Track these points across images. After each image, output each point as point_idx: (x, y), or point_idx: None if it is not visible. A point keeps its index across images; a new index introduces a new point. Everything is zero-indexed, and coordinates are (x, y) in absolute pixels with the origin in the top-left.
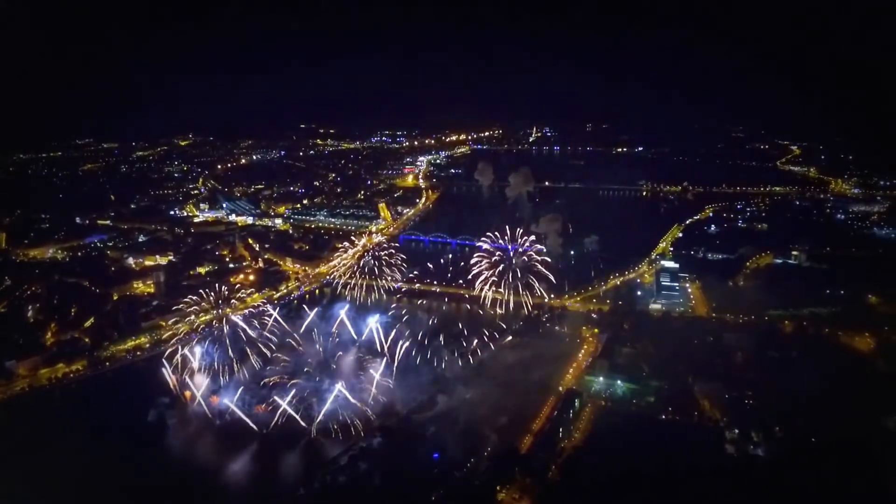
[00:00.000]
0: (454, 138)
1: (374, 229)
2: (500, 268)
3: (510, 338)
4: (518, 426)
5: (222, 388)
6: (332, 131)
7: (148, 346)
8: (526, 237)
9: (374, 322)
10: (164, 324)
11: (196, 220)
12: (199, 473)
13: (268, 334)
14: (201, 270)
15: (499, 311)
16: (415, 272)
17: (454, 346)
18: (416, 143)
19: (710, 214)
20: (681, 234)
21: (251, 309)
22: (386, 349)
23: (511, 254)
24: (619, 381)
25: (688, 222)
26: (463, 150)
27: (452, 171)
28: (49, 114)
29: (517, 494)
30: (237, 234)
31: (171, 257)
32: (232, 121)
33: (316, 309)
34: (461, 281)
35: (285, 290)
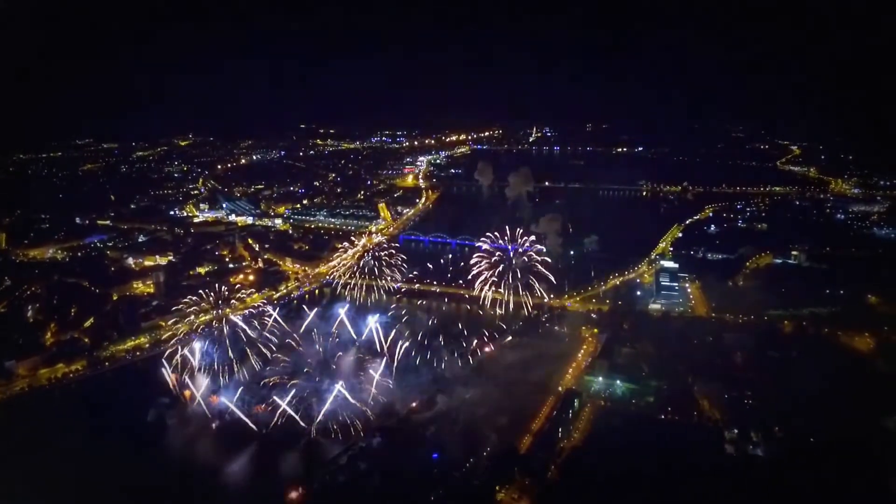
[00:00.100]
0: (454, 138)
1: (373, 229)
2: (500, 268)
3: (510, 338)
4: (517, 426)
5: (222, 388)
6: (332, 131)
7: (147, 346)
8: (526, 237)
9: (373, 322)
10: (163, 324)
11: (196, 220)
12: (198, 473)
13: (267, 334)
14: (201, 270)
15: (498, 311)
16: (414, 272)
17: (454, 346)
18: (416, 143)
19: (710, 214)
20: (680, 234)
21: (251, 309)
22: (386, 349)
23: (511, 254)
24: (618, 381)
25: (688, 222)
26: (463, 150)
27: (452, 171)
28: (49, 114)
29: (516, 494)
30: (237, 235)
31: (170, 257)
32: (232, 121)
33: (316, 309)
34: (461, 281)
35: (285, 291)
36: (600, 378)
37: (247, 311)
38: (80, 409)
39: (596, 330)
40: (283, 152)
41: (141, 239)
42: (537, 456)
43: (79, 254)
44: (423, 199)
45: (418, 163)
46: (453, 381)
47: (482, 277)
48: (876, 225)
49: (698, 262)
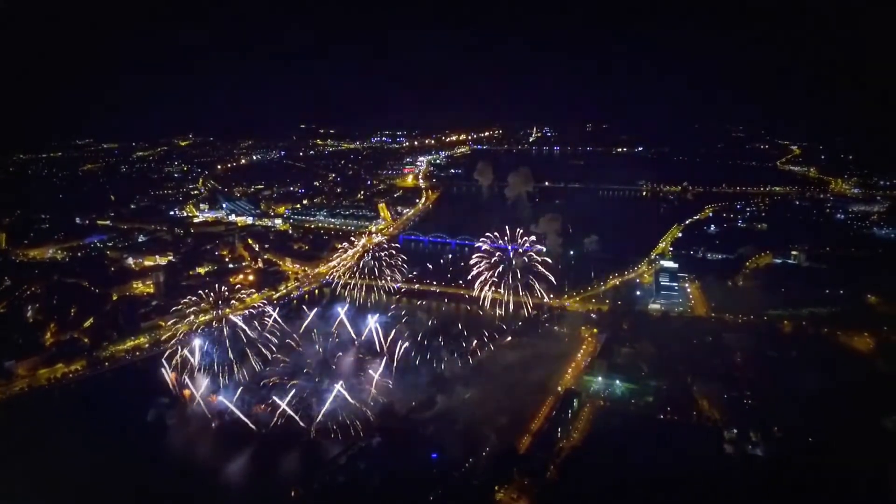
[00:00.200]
0: (454, 138)
1: (373, 229)
2: (500, 268)
3: (509, 338)
4: (517, 426)
5: (222, 388)
6: (332, 131)
7: (147, 346)
8: (526, 237)
9: (373, 322)
10: (163, 324)
11: (196, 220)
12: (197, 473)
13: (267, 335)
14: (201, 271)
15: (498, 311)
16: (414, 272)
17: (453, 346)
18: (416, 143)
19: (710, 214)
20: (680, 234)
21: (251, 309)
22: (385, 349)
23: (511, 254)
24: (617, 381)
25: (687, 222)
26: (463, 150)
27: (452, 171)
28: (49, 114)
29: (515, 494)
30: (237, 235)
31: (170, 257)
32: (232, 121)
33: (315, 309)
34: (461, 281)
35: (285, 291)
36: (600, 378)
37: (246, 312)
38: (80, 409)
39: (595, 330)
40: (283, 152)
41: (141, 239)
42: (536, 456)
43: (79, 254)
44: (423, 200)
45: (418, 163)
46: (453, 381)
47: (482, 278)
48: (876, 225)
49: (698, 262)
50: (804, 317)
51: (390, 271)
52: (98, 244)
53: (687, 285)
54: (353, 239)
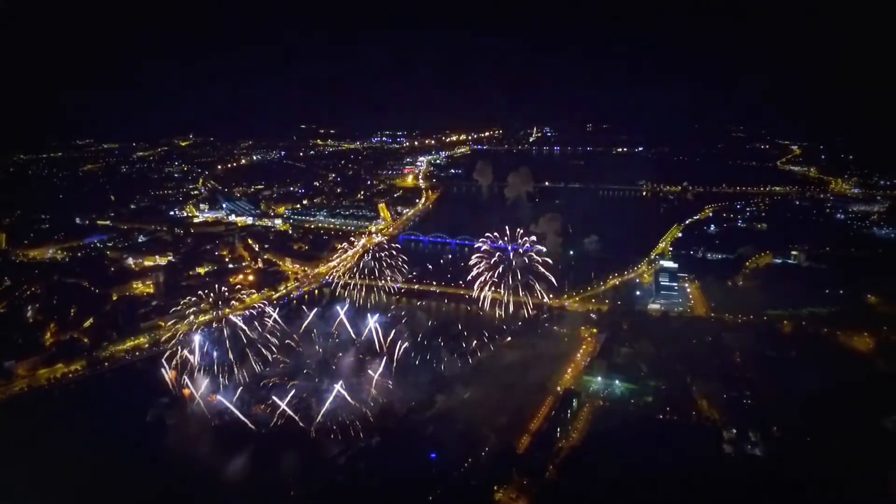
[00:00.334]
0: (454, 138)
1: (373, 229)
2: (500, 268)
3: (509, 338)
4: (516, 426)
5: (221, 388)
6: (332, 131)
7: (147, 346)
8: (525, 237)
9: (373, 322)
10: (163, 324)
11: (196, 220)
12: (197, 474)
13: (267, 335)
14: (201, 271)
15: (498, 311)
16: (414, 273)
17: (453, 346)
18: (416, 143)
19: (710, 214)
20: (680, 234)
21: (250, 309)
22: (385, 349)
23: (510, 254)
24: (617, 381)
25: (687, 222)
26: (463, 150)
27: (452, 171)
28: (49, 114)
29: (514, 494)
30: (237, 235)
31: (170, 258)
32: (232, 121)
33: (315, 309)
34: (461, 281)
35: (284, 291)
36: (599, 378)
37: (246, 312)
38: (80, 409)
39: (595, 330)
40: (283, 152)
41: (141, 239)
42: (535, 456)
43: (79, 254)
44: (423, 200)
45: (418, 163)
46: (452, 381)
47: (482, 278)
48: (876, 225)
49: (698, 262)
50: (804, 317)
51: (390, 271)
52: (98, 244)
53: (687, 285)
54: (352, 239)
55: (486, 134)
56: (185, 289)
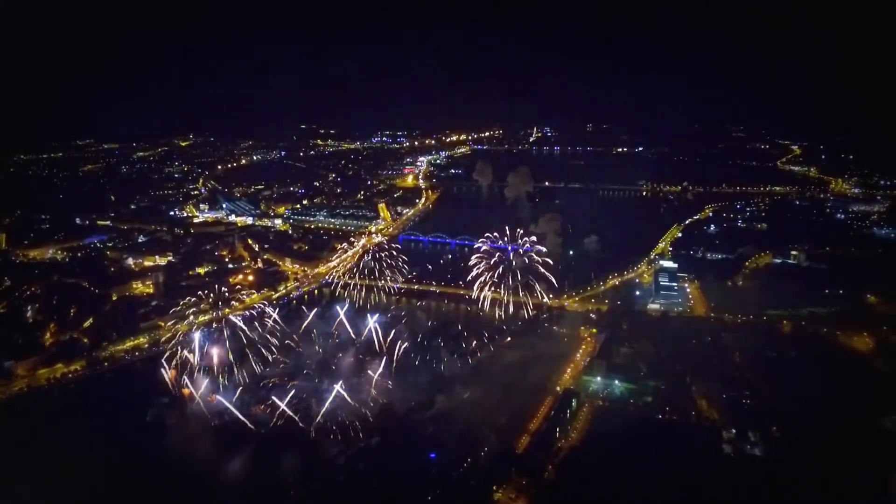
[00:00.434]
0: (454, 138)
1: (373, 229)
2: (500, 268)
3: (508, 338)
4: (515, 426)
5: (221, 388)
6: (332, 132)
7: (147, 346)
8: (525, 237)
9: (373, 322)
10: (162, 324)
11: (196, 220)
12: (196, 474)
13: (267, 335)
14: (200, 271)
15: (498, 311)
16: (414, 273)
17: (453, 346)
18: (416, 143)
19: (710, 214)
20: (680, 234)
21: (250, 310)
22: (385, 350)
23: (510, 254)
24: (616, 381)
25: (687, 222)
26: (463, 150)
27: (452, 171)
28: (50, 114)
29: (513, 494)
30: (237, 235)
31: (170, 258)
32: (232, 121)
33: (315, 309)
34: (460, 281)
35: (284, 291)
36: (598, 378)
37: (246, 312)
38: (79, 409)
39: (595, 330)
40: (283, 152)
41: (141, 239)
42: (535, 456)
43: (78, 254)
44: (423, 200)
45: (418, 163)
46: (452, 381)
47: (482, 278)
48: (876, 225)
49: (698, 262)
50: (804, 317)
51: (390, 272)
52: (98, 244)
53: (686, 285)
54: (352, 239)
55: (487, 134)
56: (184, 289)
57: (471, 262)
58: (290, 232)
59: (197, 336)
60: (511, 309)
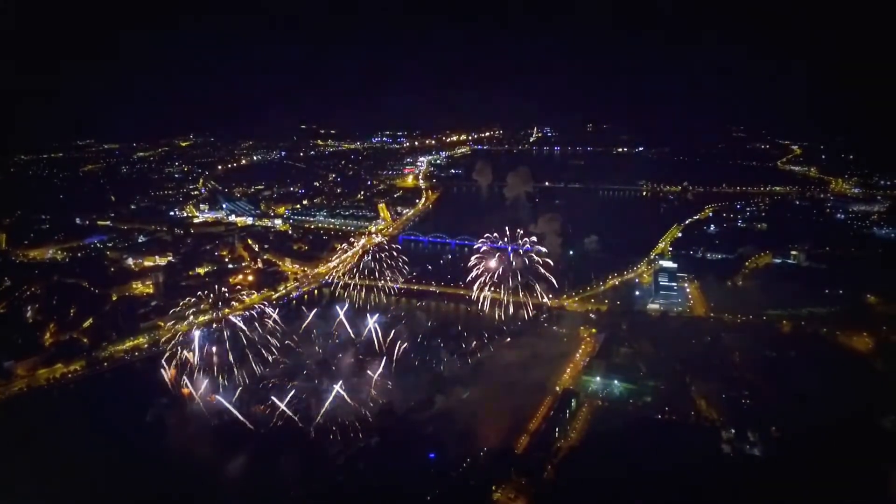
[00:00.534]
0: (455, 139)
1: (373, 230)
2: (500, 268)
3: (508, 338)
4: (515, 426)
5: (221, 388)
6: (332, 132)
7: (146, 346)
8: (525, 238)
9: (372, 322)
10: (162, 324)
11: (196, 220)
12: (196, 474)
13: (266, 335)
14: (200, 271)
15: (497, 311)
16: (414, 273)
17: (452, 346)
18: (416, 143)
19: (710, 214)
20: (680, 234)
21: (250, 310)
22: (385, 350)
23: (510, 254)
24: (616, 381)
25: (687, 222)
26: (463, 150)
27: (452, 171)
28: (50, 115)
29: (513, 494)
30: (236, 235)
31: (170, 258)
32: (232, 121)
33: (315, 309)
34: (460, 282)
35: (284, 291)
36: (598, 378)
37: (246, 312)
38: (79, 409)
39: (594, 330)
40: (283, 153)
41: (141, 239)
42: (534, 456)
43: (78, 254)
44: (423, 200)
45: (418, 163)
46: (452, 381)
47: (481, 278)
48: (876, 225)
49: (698, 262)
50: (803, 317)
51: (390, 272)
52: (98, 244)
53: (686, 285)
54: (352, 239)
55: (487, 134)
56: (184, 289)
57: (470, 263)
58: (290, 232)
59: (197, 336)
60: (511, 309)
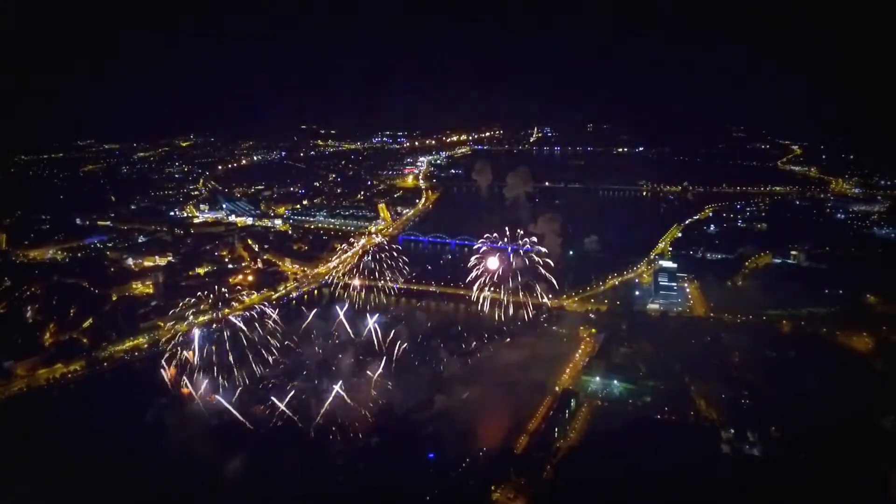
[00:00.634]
0: (455, 139)
1: (373, 230)
2: (500, 269)
3: (508, 338)
4: (514, 426)
5: (220, 388)
6: (332, 132)
7: (146, 346)
8: (525, 238)
9: (372, 323)
10: (162, 324)
11: (196, 220)
12: (196, 474)
13: (266, 335)
14: (200, 271)
15: (497, 311)
16: (414, 273)
17: (452, 346)
18: (416, 143)
19: (710, 214)
20: (680, 234)
21: (250, 310)
22: (384, 350)
23: (510, 254)
24: (615, 381)
25: (687, 222)
26: (463, 150)
27: (452, 171)
28: (50, 115)
29: (512, 494)
30: (237, 235)
31: (170, 258)
32: (233, 121)
33: (315, 310)
34: (460, 282)
35: (284, 291)
36: (597, 378)
37: (246, 312)
38: (79, 409)
39: (594, 330)
40: (283, 153)
41: (141, 239)
42: (533, 456)
43: (78, 254)
44: (423, 200)
45: (419, 163)
46: (451, 381)
47: (481, 278)
48: (876, 225)
49: (698, 262)
50: (803, 317)
51: (390, 272)
52: (98, 245)
53: (686, 285)
54: (352, 239)
55: (487, 134)
56: (184, 289)
57: (470, 263)
58: (290, 232)
59: (197, 336)
60: (510, 309)
